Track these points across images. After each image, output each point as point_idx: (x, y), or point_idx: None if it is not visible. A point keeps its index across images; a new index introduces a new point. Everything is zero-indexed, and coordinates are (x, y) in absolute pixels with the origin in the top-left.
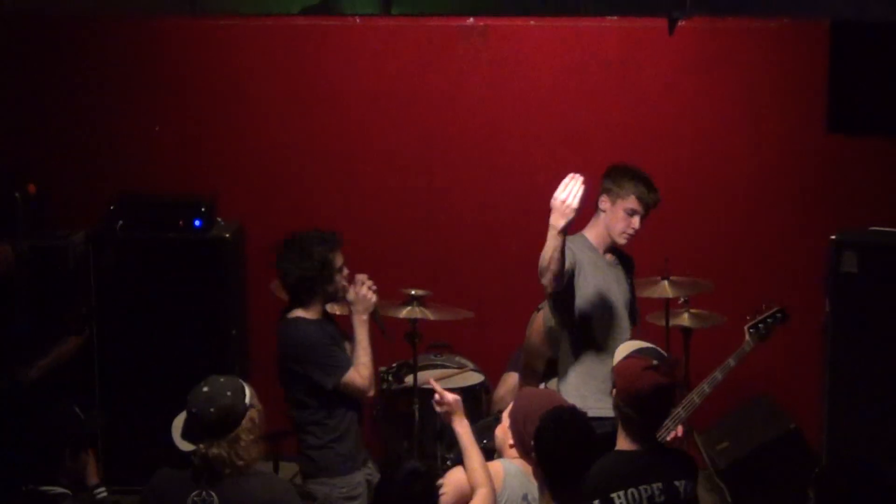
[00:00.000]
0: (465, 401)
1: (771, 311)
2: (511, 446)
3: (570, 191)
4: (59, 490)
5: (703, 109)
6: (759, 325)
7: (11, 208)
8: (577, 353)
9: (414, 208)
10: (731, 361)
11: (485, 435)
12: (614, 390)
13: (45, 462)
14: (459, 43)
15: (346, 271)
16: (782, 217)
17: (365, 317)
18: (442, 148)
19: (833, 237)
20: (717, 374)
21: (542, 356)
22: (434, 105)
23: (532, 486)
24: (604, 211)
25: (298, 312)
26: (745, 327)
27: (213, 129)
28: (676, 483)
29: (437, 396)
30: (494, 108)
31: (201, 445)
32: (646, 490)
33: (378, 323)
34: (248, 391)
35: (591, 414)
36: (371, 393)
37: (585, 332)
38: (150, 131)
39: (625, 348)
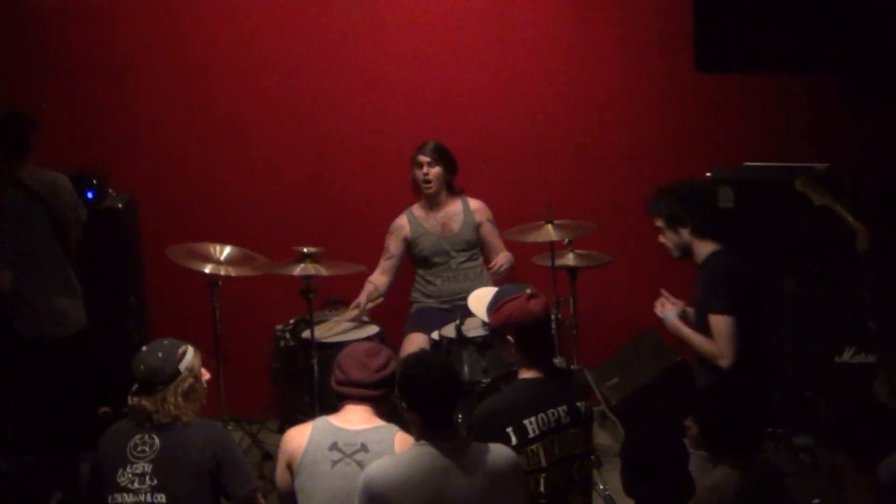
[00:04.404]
0: None
1: None
2: None
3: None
4: None
5: (576, 56)
6: None
7: None
8: None
9: (301, 168)
10: None
11: None
12: (508, 330)
13: None
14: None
15: None
16: (658, 157)
17: None
18: (326, 107)
19: (708, 174)
20: None
21: None
22: (317, 64)
23: (340, 434)
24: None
25: None
26: None
27: (100, 102)
28: (578, 404)
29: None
30: (376, 65)
31: (135, 398)
32: (553, 413)
33: None
34: (188, 358)
35: None
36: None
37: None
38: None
39: (486, 291)
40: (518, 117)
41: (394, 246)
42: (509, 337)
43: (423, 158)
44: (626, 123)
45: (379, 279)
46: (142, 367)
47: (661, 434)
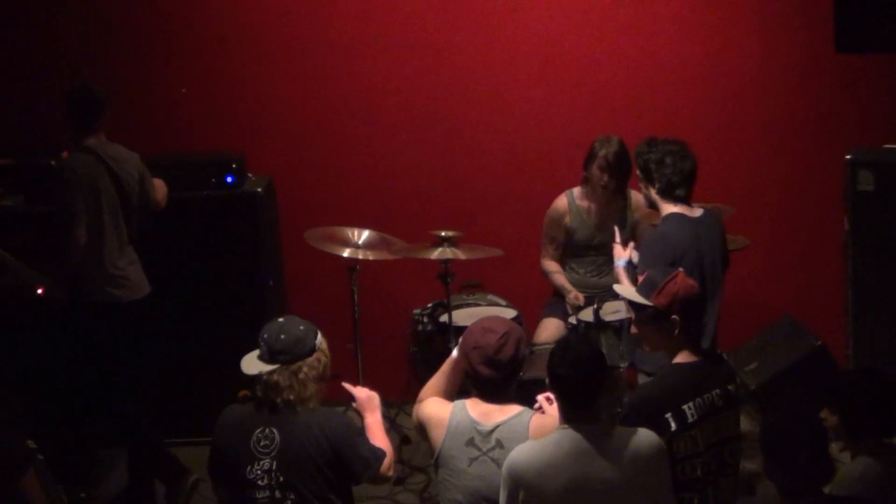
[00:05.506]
0: None
1: None
2: None
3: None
4: None
5: (714, 37)
6: None
7: None
8: None
9: (439, 151)
10: None
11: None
12: (675, 309)
13: None
14: None
15: None
16: (797, 139)
17: None
18: (466, 89)
19: (848, 156)
20: None
21: None
22: (453, 49)
23: (476, 429)
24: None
25: None
26: None
27: (239, 87)
28: (730, 387)
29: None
30: (512, 48)
31: (266, 370)
32: (708, 397)
33: None
34: (320, 336)
35: None
36: None
37: None
38: (177, 93)
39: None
40: (652, 101)
41: (558, 233)
42: (675, 316)
43: (607, 173)
44: (764, 105)
45: (554, 265)
46: (282, 336)
47: (802, 419)
